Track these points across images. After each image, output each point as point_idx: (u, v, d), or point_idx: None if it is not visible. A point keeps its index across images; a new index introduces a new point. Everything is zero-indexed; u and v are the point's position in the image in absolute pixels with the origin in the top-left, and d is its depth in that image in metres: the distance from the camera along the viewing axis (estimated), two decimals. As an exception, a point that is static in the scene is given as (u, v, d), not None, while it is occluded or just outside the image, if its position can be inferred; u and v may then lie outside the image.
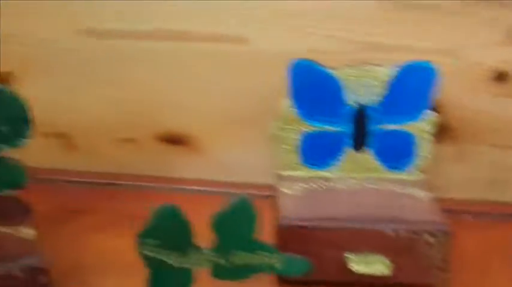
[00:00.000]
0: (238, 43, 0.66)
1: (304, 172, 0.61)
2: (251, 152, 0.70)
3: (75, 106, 0.72)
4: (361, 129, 0.59)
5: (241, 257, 0.45)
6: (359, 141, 0.60)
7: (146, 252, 0.44)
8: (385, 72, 0.58)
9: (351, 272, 0.53)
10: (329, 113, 0.59)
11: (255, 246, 0.45)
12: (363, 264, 0.53)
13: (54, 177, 0.73)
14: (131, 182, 0.72)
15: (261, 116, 0.66)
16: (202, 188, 0.71)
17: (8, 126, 0.52)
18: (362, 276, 0.53)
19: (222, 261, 0.46)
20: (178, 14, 0.66)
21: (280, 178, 0.61)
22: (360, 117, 0.59)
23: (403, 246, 0.53)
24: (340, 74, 0.58)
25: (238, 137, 0.70)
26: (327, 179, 0.60)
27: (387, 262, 0.53)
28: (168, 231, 0.44)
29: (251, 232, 0.45)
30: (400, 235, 0.52)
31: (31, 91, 0.59)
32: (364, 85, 0.58)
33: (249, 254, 0.45)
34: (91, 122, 0.72)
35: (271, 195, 0.59)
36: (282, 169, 0.61)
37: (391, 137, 0.59)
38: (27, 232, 0.52)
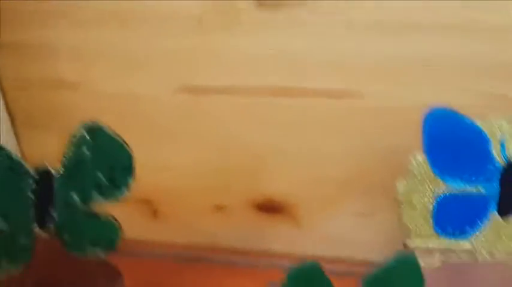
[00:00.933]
0: (351, 98, 0.59)
1: (438, 243, 0.51)
2: (366, 223, 0.61)
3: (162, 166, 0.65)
4: (509, 190, 0.50)
5: None
6: (507, 205, 0.51)
7: None
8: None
9: None
10: (471, 170, 0.50)
11: None
12: None
13: (137, 249, 0.65)
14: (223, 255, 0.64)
15: (381, 180, 0.58)
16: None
17: (108, 174, 0.45)
18: None
19: None
20: (282, 68, 0.60)
21: (408, 250, 0.51)
22: (509, 176, 0.50)
23: None
24: (485, 125, 0.50)
25: (351, 205, 0.61)
26: (466, 251, 0.51)
27: None
28: None
29: None
30: None
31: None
32: (514, 138, 0.50)
33: None
34: (179, 186, 0.66)
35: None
36: (410, 239, 0.52)
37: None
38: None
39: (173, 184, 0.66)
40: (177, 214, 0.67)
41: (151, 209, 0.67)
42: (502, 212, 0.51)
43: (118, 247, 0.47)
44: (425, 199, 0.51)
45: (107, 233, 0.47)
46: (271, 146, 0.62)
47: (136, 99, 0.64)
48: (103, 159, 0.45)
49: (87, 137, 0.45)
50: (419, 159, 0.51)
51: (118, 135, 0.45)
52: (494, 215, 0.51)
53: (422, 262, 0.49)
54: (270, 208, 0.64)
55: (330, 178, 0.62)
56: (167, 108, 0.63)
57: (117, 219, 0.48)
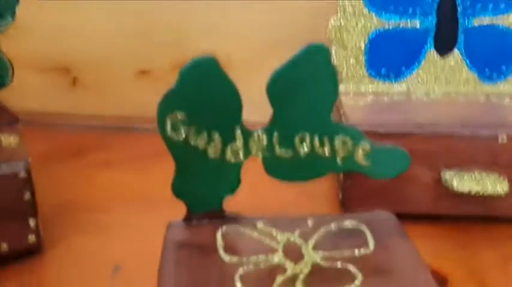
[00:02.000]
0: None
1: (371, 86, 0.47)
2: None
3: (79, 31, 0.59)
4: (448, 25, 0.46)
5: (310, 143, 0.31)
6: (444, 41, 0.46)
7: (171, 134, 0.30)
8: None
9: (451, 196, 0.39)
10: (407, 2, 0.46)
11: (332, 127, 0.31)
12: (467, 182, 0.38)
13: (57, 121, 0.60)
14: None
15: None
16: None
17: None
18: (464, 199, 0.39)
19: (281, 150, 0.31)
20: None
21: (341, 94, 0.47)
22: (447, 8, 0.46)
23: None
24: None
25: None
26: (401, 93, 0.47)
27: (501, 178, 0.39)
28: (203, 98, 0.30)
29: (328, 103, 0.31)
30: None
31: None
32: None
33: (322, 138, 0.31)
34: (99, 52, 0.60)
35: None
36: (343, 82, 0.47)
37: (487, 34, 0.46)
38: (12, 139, 0.39)
39: (92, 50, 0.60)
40: (99, 82, 0.61)
41: (70, 77, 0.61)
42: (439, 48, 0.47)
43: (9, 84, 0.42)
44: (358, 38, 0.47)
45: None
46: (196, 5, 0.57)
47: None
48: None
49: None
50: (350, -7, 0.46)
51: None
52: (431, 53, 0.48)
53: (353, 101, 0.46)
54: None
55: (258, 39, 0.57)
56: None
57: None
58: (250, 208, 0.35)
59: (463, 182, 0.38)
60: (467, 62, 0.47)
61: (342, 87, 0.47)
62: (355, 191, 0.41)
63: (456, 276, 0.36)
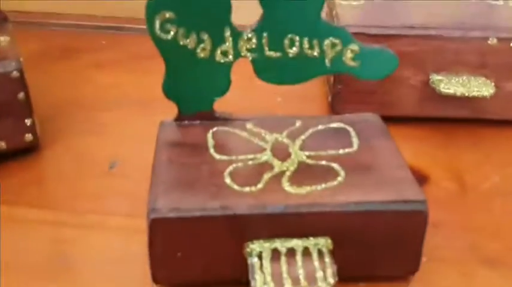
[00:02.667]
0: None
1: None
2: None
3: None
4: None
5: (299, 45, 0.31)
6: None
7: (159, 34, 0.31)
8: None
9: (438, 99, 0.40)
10: None
11: (321, 28, 0.31)
12: (453, 84, 0.39)
13: (47, 21, 0.59)
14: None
15: None
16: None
17: None
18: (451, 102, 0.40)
19: (270, 52, 0.32)
20: None
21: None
22: None
23: (509, 63, 0.39)
24: None
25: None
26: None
27: (488, 82, 0.39)
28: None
29: (318, 4, 0.30)
30: (507, 47, 0.39)
31: None
32: None
33: (311, 39, 0.31)
34: None
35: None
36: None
37: None
38: (2, 39, 0.39)
39: None
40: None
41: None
42: None
43: None
44: None
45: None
46: None
47: None
48: None
49: None
50: None
51: None
52: (427, -48, 0.46)
53: (346, 1, 0.45)
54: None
55: None
56: None
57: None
58: (240, 111, 0.36)
59: (450, 84, 0.39)
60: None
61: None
62: (344, 94, 0.41)
63: (436, 174, 0.38)
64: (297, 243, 0.28)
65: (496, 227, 0.34)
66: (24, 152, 0.38)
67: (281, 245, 0.28)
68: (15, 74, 0.36)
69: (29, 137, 0.38)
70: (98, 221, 0.34)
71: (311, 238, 0.28)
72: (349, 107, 0.41)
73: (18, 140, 0.37)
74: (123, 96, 0.46)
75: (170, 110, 0.34)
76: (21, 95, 0.36)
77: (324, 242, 0.28)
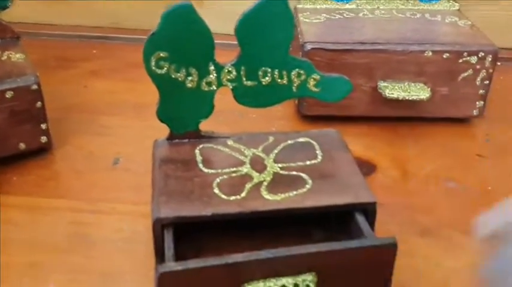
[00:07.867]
0: None
1: (326, 3, 0.55)
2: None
3: None
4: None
5: (271, 75, 0.38)
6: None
7: (155, 69, 0.36)
8: None
9: (384, 101, 0.48)
10: None
11: (289, 62, 0.38)
12: (396, 90, 0.47)
13: (42, 31, 0.66)
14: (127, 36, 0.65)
15: None
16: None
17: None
18: (395, 104, 0.48)
19: (248, 81, 0.38)
20: None
21: (298, 10, 0.54)
22: None
23: (443, 71, 0.48)
24: None
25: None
26: (350, 10, 0.54)
27: (425, 87, 0.48)
28: (182, 39, 0.36)
29: (286, 42, 0.37)
30: (441, 58, 0.47)
31: None
32: None
33: (281, 71, 0.38)
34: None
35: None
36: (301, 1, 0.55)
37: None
38: (19, 56, 0.46)
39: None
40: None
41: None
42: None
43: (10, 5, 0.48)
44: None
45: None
46: None
47: None
48: None
49: None
50: None
51: None
52: (376, -25, 0.55)
53: (308, 19, 0.53)
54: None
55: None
56: None
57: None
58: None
59: (394, 90, 0.47)
60: (407, -17, 0.54)
61: (300, 5, 0.55)
62: (308, 99, 0.48)
63: (383, 164, 0.46)
64: (287, 280, 0.31)
65: (430, 206, 0.42)
66: (39, 152, 0.45)
67: (274, 283, 0.31)
68: (34, 87, 0.43)
69: (44, 139, 0.45)
70: (108, 207, 0.41)
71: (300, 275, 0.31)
72: (312, 109, 0.49)
73: (36, 141, 0.44)
74: (120, 101, 0.53)
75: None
76: (38, 103, 0.43)
77: (311, 278, 0.31)
